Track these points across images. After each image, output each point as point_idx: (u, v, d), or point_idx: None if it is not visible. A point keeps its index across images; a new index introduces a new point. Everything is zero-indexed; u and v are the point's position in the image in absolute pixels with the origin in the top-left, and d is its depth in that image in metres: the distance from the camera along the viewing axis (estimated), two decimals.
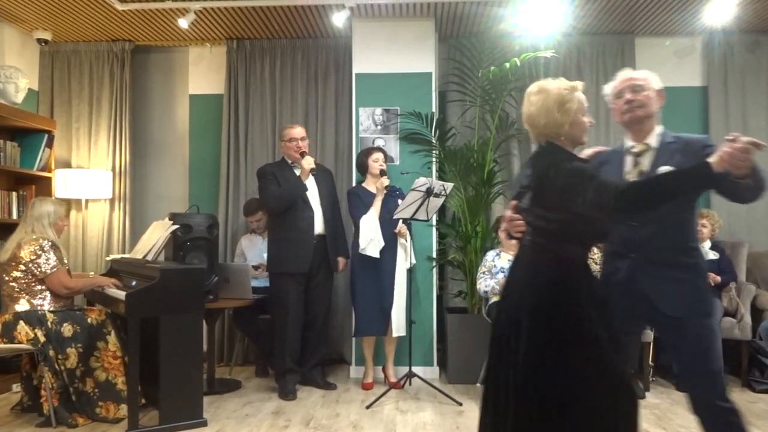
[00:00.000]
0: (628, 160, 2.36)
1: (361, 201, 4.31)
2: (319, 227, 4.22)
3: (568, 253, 2.06)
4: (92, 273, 4.24)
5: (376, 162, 4.32)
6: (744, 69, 5.15)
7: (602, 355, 2.00)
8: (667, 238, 2.24)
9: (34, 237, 3.54)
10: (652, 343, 4.31)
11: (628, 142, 2.39)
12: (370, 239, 4.20)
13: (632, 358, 2.51)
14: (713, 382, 2.16)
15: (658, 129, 2.35)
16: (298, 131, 4.26)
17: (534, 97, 2.13)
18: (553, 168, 2.02)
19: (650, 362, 4.33)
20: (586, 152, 2.47)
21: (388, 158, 4.63)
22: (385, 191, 4.24)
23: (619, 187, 1.89)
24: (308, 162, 4.12)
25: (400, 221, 4.23)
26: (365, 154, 4.40)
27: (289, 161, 4.28)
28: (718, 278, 4.41)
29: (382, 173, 4.28)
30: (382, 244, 4.21)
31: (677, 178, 1.90)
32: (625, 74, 2.41)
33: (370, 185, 4.36)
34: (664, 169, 2.13)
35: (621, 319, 2.27)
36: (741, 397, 4.08)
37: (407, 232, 4.29)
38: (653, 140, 2.32)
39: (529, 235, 2.14)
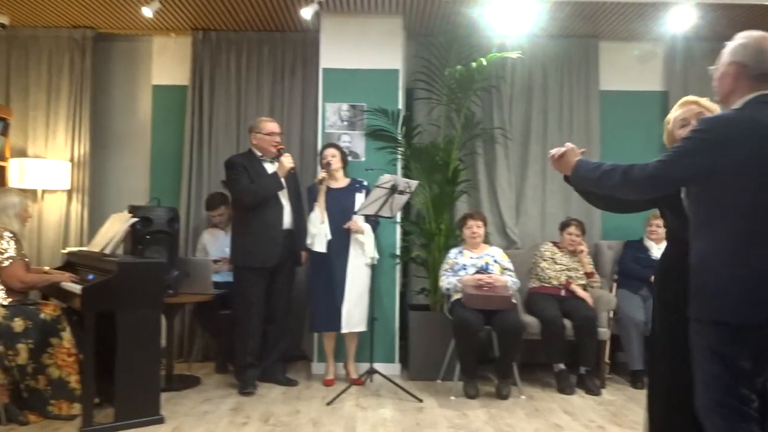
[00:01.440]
0: None
1: (313, 197, 4.36)
2: (287, 222, 4.20)
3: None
4: (47, 267, 4.12)
5: (324, 159, 4.37)
6: (703, 75, 5.23)
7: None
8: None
9: None
10: (608, 342, 4.40)
11: None
12: (313, 234, 4.23)
13: None
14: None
15: (748, 98, 1.97)
16: (276, 126, 4.26)
17: None
18: None
19: (606, 360, 4.41)
20: None
21: (351, 154, 4.63)
22: (318, 184, 4.27)
23: None
24: (289, 161, 4.12)
25: (354, 217, 4.24)
26: (320, 151, 4.46)
27: (259, 154, 4.22)
28: None
29: (326, 167, 4.31)
30: (329, 237, 4.22)
31: None
32: None
33: (328, 181, 4.37)
34: None
35: None
36: None
37: (360, 227, 4.29)
38: None
39: None
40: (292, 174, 4.30)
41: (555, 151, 2.23)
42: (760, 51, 1.95)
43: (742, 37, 2.02)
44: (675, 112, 2.41)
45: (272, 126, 4.23)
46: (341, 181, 4.41)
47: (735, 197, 1.88)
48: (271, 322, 4.25)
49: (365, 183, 4.43)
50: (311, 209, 4.32)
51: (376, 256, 4.36)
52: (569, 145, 2.21)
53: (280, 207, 4.17)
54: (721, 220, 1.91)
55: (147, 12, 4.47)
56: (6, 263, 3.40)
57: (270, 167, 4.19)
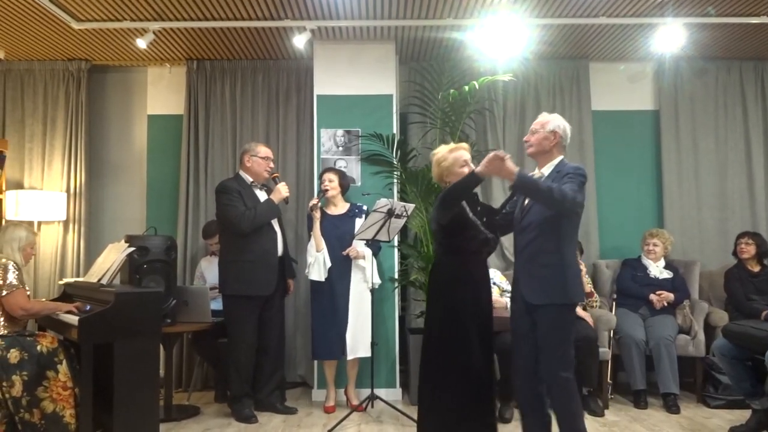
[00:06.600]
0: None
1: (312, 224, 4.35)
2: (281, 249, 4.20)
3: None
4: (43, 299, 4.09)
5: (322, 184, 4.37)
6: (693, 94, 5.34)
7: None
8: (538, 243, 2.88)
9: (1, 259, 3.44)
10: (610, 362, 4.37)
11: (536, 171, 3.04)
12: (310, 263, 4.23)
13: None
14: (561, 357, 2.80)
15: (556, 161, 2.96)
16: (271, 151, 4.29)
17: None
18: None
19: (608, 380, 4.38)
20: None
21: (347, 179, 4.60)
22: (310, 211, 4.27)
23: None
24: (285, 190, 4.14)
25: (354, 242, 4.23)
26: (320, 175, 4.44)
27: (249, 180, 4.22)
28: (671, 296, 4.52)
29: (321, 193, 4.32)
30: (328, 265, 4.21)
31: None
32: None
33: (327, 207, 4.37)
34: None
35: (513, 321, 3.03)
36: (696, 413, 4.16)
37: (360, 252, 4.28)
38: (546, 170, 2.96)
39: None
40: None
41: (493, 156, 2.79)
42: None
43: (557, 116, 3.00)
44: (454, 153, 3.26)
45: (267, 150, 4.25)
46: (340, 207, 4.42)
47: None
48: (265, 353, 4.20)
49: (365, 208, 4.42)
50: (310, 237, 4.31)
51: (378, 281, 4.35)
52: (501, 153, 2.80)
53: (274, 233, 4.17)
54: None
55: (141, 43, 4.52)
56: (8, 291, 3.38)
57: (260, 194, 4.20)
